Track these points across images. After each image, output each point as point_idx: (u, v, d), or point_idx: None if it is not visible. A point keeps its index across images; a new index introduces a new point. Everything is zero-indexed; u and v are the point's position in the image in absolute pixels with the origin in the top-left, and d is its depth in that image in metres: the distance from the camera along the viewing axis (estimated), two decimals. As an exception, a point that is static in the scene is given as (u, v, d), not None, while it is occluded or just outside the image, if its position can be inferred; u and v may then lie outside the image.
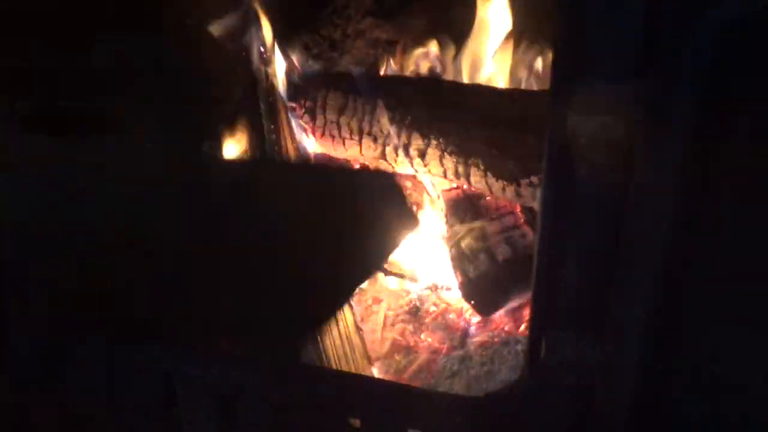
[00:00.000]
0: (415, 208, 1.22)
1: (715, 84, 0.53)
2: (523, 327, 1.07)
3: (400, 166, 1.17)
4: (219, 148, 1.28)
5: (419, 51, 1.31)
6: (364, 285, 1.18)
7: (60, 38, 1.00)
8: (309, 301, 0.80)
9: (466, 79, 1.24)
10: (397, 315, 1.13)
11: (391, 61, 1.34)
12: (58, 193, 0.72)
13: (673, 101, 0.53)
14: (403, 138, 1.13)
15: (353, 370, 0.96)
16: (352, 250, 0.75)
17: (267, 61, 1.26)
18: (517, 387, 0.75)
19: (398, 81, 1.25)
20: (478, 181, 1.08)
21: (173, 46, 1.24)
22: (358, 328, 1.05)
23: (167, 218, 0.76)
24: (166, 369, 0.83)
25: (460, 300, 1.11)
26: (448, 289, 1.15)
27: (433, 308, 1.14)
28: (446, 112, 1.11)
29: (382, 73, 1.34)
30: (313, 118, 1.21)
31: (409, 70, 1.32)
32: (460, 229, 1.11)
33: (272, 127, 1.16)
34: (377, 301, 1.16)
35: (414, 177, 1.27)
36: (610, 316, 0.64)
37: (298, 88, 1.24)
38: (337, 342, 0.98)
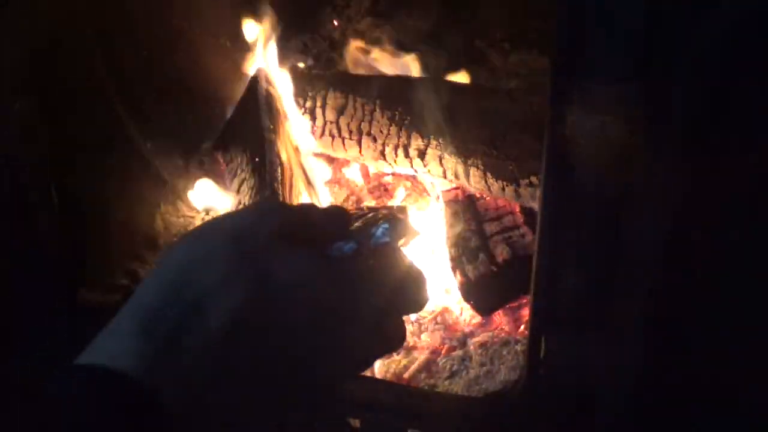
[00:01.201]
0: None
1: (715, 84, 0.53)
2: (523, 327, 1.07)
3: (400, 166, 1.17)
4: (219, 148, 1.28)
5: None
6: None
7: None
8: None
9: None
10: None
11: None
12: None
13: (673, 101, 0.53)
14: (403, 138, 1.13)
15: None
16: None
17: (267, 61, 1.26)
18: (517, 387, 0.75)
19: (398, 81, 1.25)
20: (477, 181, 1.08)
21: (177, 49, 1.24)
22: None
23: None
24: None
25: (459, 300, 1.11)
26: (448, 289, 1.15)
27: (432, 308, 1.14)
28: (446, 112, 1.11)
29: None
30: (313, 118, 1.21)
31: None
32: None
33: (272, 127, 1.16)
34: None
35: (414, 177, 1.27)
36: (610, 317, 0.64)
37: (298, 88, 1.24)
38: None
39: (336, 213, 0.44)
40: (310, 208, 0.45)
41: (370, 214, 0.46)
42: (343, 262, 0.41)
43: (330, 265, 0.40)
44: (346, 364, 0.41)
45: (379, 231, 0.44)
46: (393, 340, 0.43)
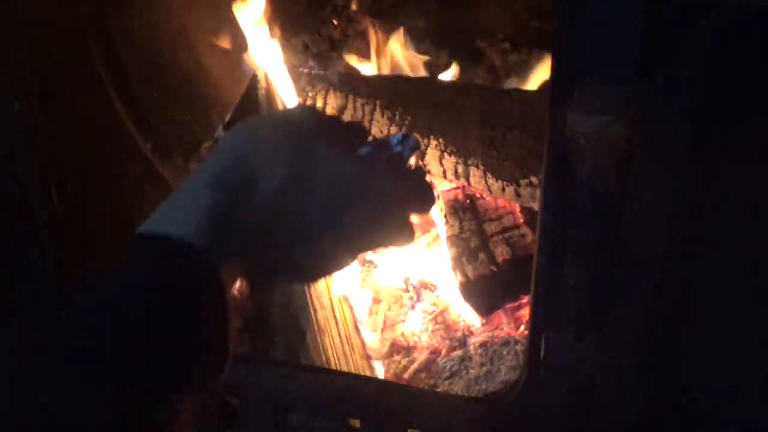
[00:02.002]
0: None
1: (715, 84, 0.53)
2: (523, 327, 1.07)
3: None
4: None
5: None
6: (364, 284, 1.18)
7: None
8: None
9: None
10: (397, 315, 1.13)
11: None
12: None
13: (673, 101, 0.53)
14: (403, 138, 1.13)
15: (353, 370, 0.96)
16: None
17: (267, 61, 1.26)
18: (517, 387, 0.75)
19: (398, 81, 1.25)
20: (477, 181, 1.08)
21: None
22: (358, 329, 1.05)
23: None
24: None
25: (459, 300, 1.11)
26: (448, 289, 1.15)
27: (432, 308, 1.14)
28: (446, 112, 1.11)
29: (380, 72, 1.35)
30: (313, 118, 1.21)
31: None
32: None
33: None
34: (377, 301, 1.16)
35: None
36: (610, 317, 0.64)
37: (298, 88, 1.24)
38: (337, 342, 0.98)
39: (359, 124, 0.58)
40: (338, 118, 0.56)
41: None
42: (364, 160, 0.50)
43: (355, 159, 0.50)
44: (358, 242, 0.50)
45: (394, 140, 0.53)
46: (402, 234, 0.52)
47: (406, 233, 0.52)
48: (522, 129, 1.04)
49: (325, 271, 0.51)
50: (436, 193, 0.53)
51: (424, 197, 0.53)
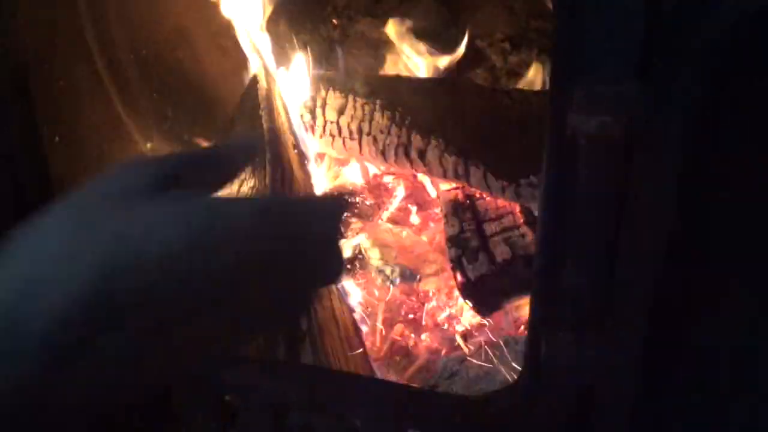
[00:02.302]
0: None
1: (715, 84, 0.53)
2: (523, 327, 1.07)
3: (400, 166, 1.17)
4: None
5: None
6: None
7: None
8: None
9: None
10: (397, 315, 1.13)
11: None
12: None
13: (673, 101, 0.53)
14: (403, 138, 1.13)
15: (353, 370, 0.96)
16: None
17: (267, 61, 1.26)
18: (517, 387, 0.75)
19: (398, 81, 1.25)
20: (477, 181, 1.08)
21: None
22: (358, 329, 1.05)
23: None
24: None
25: (459, 300, 1.11)
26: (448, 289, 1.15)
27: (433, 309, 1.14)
28: (446, 112, 1.11)
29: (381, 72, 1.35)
30: (314, 118, 1.21)
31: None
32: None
33: (272, 127, 1.16)
34: (377, 301, 1.16)
35: (414, 177, 1.27)
36: (610, 317, 0.64)
37: (298, 88, 1.24)
38: (337, 342, 0.98)
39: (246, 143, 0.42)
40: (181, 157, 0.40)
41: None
42: (221, 209, 0.35)
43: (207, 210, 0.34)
44: (243, 315, 0.36)
45: None
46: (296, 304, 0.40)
47: (303, 301, 0.39)
48: (522, 129, 1.04)
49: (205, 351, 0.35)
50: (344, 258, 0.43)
51: (333, 264, 0.39)
